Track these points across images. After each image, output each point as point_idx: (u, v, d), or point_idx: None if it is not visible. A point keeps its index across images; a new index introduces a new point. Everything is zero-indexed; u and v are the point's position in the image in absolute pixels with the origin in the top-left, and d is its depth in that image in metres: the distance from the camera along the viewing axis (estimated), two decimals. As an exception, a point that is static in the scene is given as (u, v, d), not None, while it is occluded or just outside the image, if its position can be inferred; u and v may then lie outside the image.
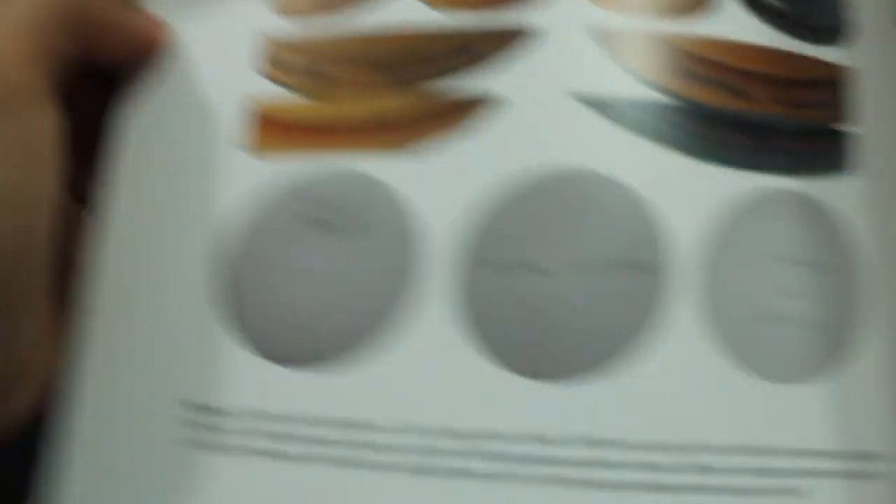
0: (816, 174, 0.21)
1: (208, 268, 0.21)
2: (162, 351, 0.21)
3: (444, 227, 0.20)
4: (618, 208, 0.20)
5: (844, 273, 0.21)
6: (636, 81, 0.21)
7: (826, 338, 0.20)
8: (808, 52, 0.22)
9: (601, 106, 0.21)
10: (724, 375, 0.20)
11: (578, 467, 0.19)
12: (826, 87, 0.22)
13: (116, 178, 0.22)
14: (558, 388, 0.19)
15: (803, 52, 0.22)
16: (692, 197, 0.20)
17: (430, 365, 0.20)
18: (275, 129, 0.22)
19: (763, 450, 0.19)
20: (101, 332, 0.21)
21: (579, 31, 0.21)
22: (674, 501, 0.19)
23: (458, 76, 0.21)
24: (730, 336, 0.20)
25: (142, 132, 0.23)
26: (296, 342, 0.20)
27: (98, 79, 0.23)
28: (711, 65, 0.21)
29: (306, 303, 0.21)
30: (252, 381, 0.20)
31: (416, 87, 0.21)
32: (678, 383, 0.19)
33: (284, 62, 0.22)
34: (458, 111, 0.21)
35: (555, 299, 0.20)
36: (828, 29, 0.22)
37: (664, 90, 0.21)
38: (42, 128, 0.20)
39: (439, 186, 0.21)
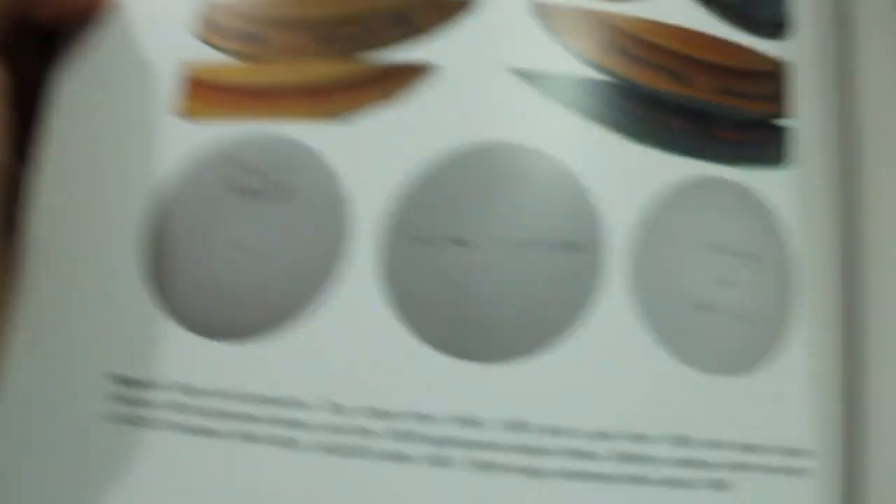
0: (753, 165, 0.21)
1: (135, 235, 0.20)
2: (87, 321, 0.20)
3: (373, 198, 0.19)
4: (552, 186, 0.19)
5: (777, 266, 0.21)
6: (575, 59, 0.20)
7: (757, 330, 0.20)
8: (751, 44, 0.22)
9: (538, 81, 0.20)
10: (654, 363, 0.19)
11: (506, 452, 0.18)
12: (767, 79, 0.22)
13: (48, 139, 0.21)
14: (485, 369, 0.19)
15: (746, 44, 0.22)
16: (628, 179, 0.20)
17: (354, 341, 0.19)
18: (207, 93, 0.21)
19: (691, 441, 0.19)
20: (27, 299, 0.20)
21: (519, 5, 0.21)
22: (600, 490, 0.18)
23: (395, 45, 0.21)
24: (661, 323, 0.19)
25: (76, 92, 0.22)
26: (222, 314, 0.19)
27: (36, 37, 0.22)
28: (653, 48, 0.21)
29: (232, 273, 0.20)
30: (178, 355, 0.19)
31: (351, 55, 0.21)
32: (608, 369, 0.19)
33: (220, 25, 0.21)
34: (393, 80, 0.20)
35: (482, 276, 0.19)
36: (771, 23, 0.22)
37: (603, 69, 0.20)
38: None
39: (370, 156, 0.20)
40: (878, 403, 0.20)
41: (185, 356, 0.19)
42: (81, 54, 0.22)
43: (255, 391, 0.19)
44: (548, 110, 0.20)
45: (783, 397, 0.20)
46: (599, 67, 0.20)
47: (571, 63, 0.20)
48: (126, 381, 0.19)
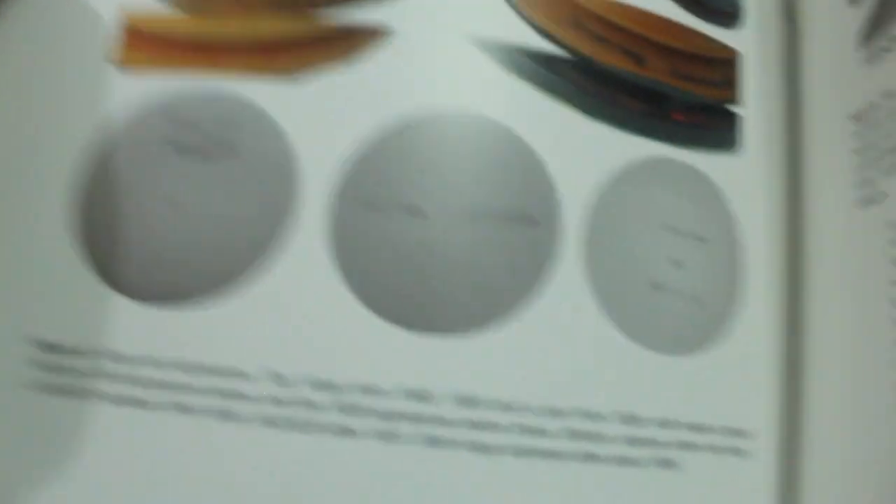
0: (705, 149, 0.21)
1: (65, 190, 0.18)
2: (7, 280, 0.18)
3: (323, 161, 0.19)
4: (507, 158, 0.19)
5: (725, 249, 0.21)
6: (534, 31, 0.20)
7: (705, 312, 0.20)
8: (708, 31, 0.22)
9: (496, 51, 0.20)
10: (606, 340, 0.19)
11: (456, 428, 0.18)
12: (719, 66, 0.22)
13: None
14: (435, 341, 0.18)
15: (703, 31, 0.22)
16: (584, 155, 0.20)
17: (299, 308, 0.18)
18: (148, 44, 0.19)
19: (640, 419, 0.19)
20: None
21: (480, -27, 0.20)
22: (550, 468, 0.18)
23: (350, 4, 0.20)
24: (615, 301, 0.19)
25: (7, 37, 0.20)
26: (156, 276, 0.18)
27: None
28: (612, 26, 0.21)
29: (169, 233, 0.18)
30: (107, 319, 0.18)
31: (304, 11, 0.20)
32: (560, 345, 0.19)
33: (164, -25, 0.20)
34: (348, 41, 0.19)
35: (434, 246, 0.18)
36: (724, 12, 0.23)
37: (562, 43, 0.20)
38: None
39: (321, 117, 0.19)
40: (818, 387, 0.20)
41: (114, 321, 0.18)
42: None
43: (191, 359, 0.17)
44: (505, 81, 0.20)
45: (729, 378, 0.20)
46: (558, 42, 0.20)
47: (530, 35, 0.20)
48: (49, 347, 0.18)
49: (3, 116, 0.19)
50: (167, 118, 0.19)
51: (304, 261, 0.18)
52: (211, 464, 0.17)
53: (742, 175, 0.21)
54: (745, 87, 0.22)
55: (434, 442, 0.17)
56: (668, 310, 0.19)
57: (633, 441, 0.18)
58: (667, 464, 0.18)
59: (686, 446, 0.19)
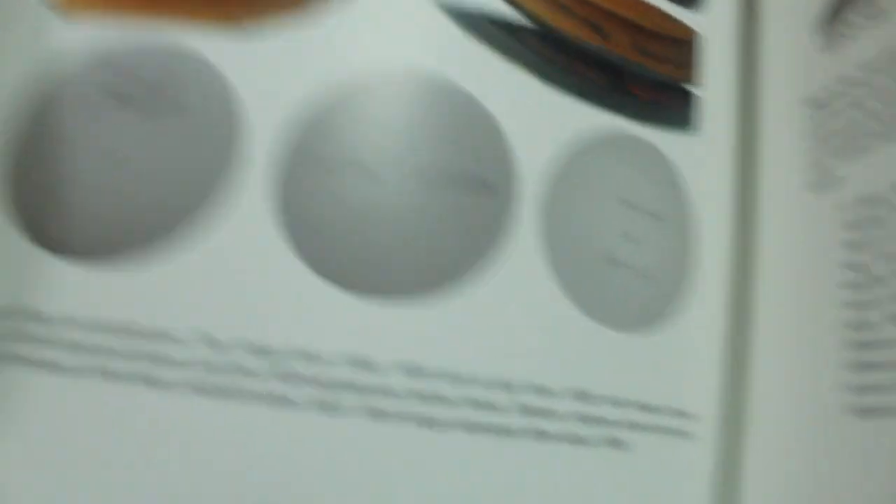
0: (663, 126, 0.21)
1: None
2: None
3: (270, 118, 0.17)
4: (464, 121, 0.18)
5: (678, 228, 0.20)
6: (499, -1, 0.19)
7: (657, 290, 0.20)
8: (670, 10, 0.22)
9: (460, 16, 0.19)
10: (559, 314, 0.18)
11: (402, 399, 0.17)
12: (680, 46, 0.22)
13: None
14: (382, 307, 0.17)
15: (666, 10, 0.21)
16: (544, 124, 0.19)
17: (237, 268, 0.17)
18: (87, -12, 0.18)
19: (591, 397, 0.18)
20: None
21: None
22: (500, 444, 0.17)
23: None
24: (569, 273, 0.18)
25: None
26: (86, 232, 0.17)
27: None
28: (577, -1, 0.20)
29: (100, 186, 0.17)
30: (28, 275, 0.16)
31: (256, -41, 0.19)
32: (513, 316, 0.18)
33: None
34: (302, -8, 0.18)
35: (385, 208, 0.17)
36: (689, -7, 0.22)
37: (526, 13, 0.20)
38: None
39: (269, 73, 0.18)
40: (765, 371, 0.20)
41: (36, 277, 0.16)
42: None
43: (118, 321, 0.16)
44: (466, 45, 0.19)
45: (678, 359, 0.20)
46: (523, 9, 0.20)
47: (495, 1, 0.19)
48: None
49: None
50: (109, 69, 0.17)
51: (246, 219, 0.17)
52: (137, 433, 0.16)
53: (697, 155, 0.21)
54: (703, 68, 0.22)
55: (378, 414, 0.16)
56: (621, 285, 0.19)
57: (584, 419, 0.18)
58: (616, 444, 0.18)
59: (635, 426, 0.18)
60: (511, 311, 0.18)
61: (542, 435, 0.17)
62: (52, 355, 0.16)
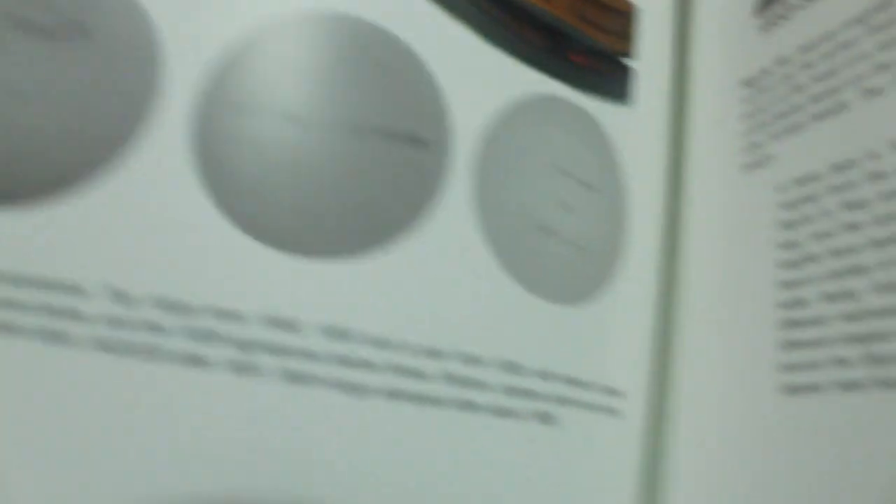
0: (600, 96, 0.21)
1: None
2: None
3: (194, 54, 0.16)
4: (398, 72, 0.18)
5: (611, 199, 0.20)
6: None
7: (588, 262, 0.19)
8: (610, -20, 0.21)
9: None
10: (491, 280, 0.18)
11: (323, 363, 0.16)
12: (619, 17, 0.22)
13: None
14: (305, 264, 0.16)
15: (605, -21, 0.21)
16: (482, 81, 0.19)
17: (149, 217, 0.15)
18: None
19: (522, 369, 0.18)
20: None
21: None
22: (425, 415, 0.17)
23: None
24: (501, 238, 0.18)
25: None
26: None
27: None
28: (518, -43, 0.20)
29: (3, 124, 0.15)
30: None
31: None
32: (443, 280, 0.17)
33: None
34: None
35: (309, 156, 0.16)
36: (627, -36, 0.22)
37: (472, -32, 0.19)
38: None
39: (192, 5, 0.16)
40: (695, 350, 0.20)
41: None
42: None
43: (17, 270, 0.15)
44: (410, -3, 0.18)
45: (608, 335, 0.19)
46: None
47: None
48: None
49: None
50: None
51: (160, 164, 0.16)
52: (36, 392, 0.14)
53: (631, 128, 0.21)
54: (640, 41, 0.22)
55: (297, 378, 0.15)
56: (555, 255, 0.19)
57: (512, 391, 0.17)
58: (545, 418, 0.18)
59: (564, 401, 0.18)
60: (441, 274, 0.17)
61: (469, 406, 0.17)
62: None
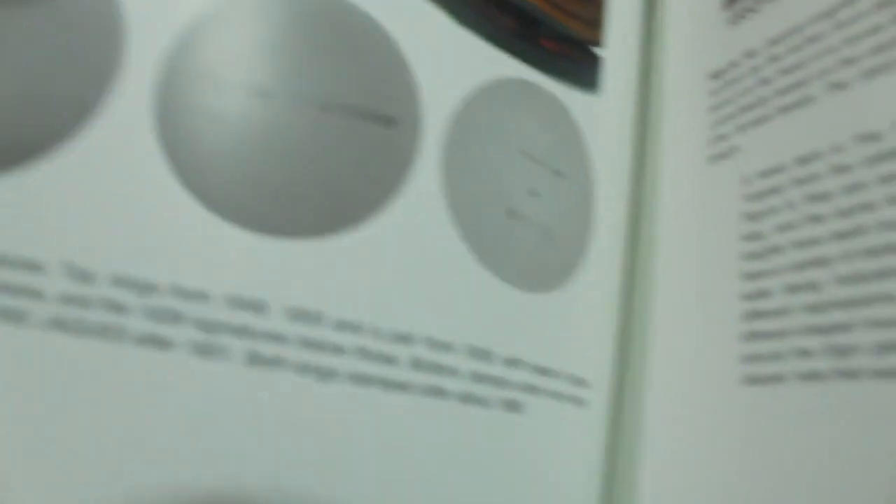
0: (570, 83, 0.21)
1: None
2: None
3: (156, 20, 0.16)
4: (372, 53, 0.17)
5: (581, 186, 0.20)
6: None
7: (557, 249, 0.20)
8: (580, -32, 0.22)
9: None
10: (460, 264, 0.18)
11: (290, 347, 0.16)
12: (592, 6, 0.22)
13: None
14: (273, 243, 0.16)
15: (575, -33, 0.21)
16: (453, 62, 0.19)
17: (111, 192, 0.15)
18: None
19: (491, 356, 0.18)
20: None
21: None
22: (393, 401, 0.16)
23: None
24: (469, 221, 0.18)
25: None
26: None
27: None
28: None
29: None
30: None
31: None
32: (409, 262, 0.17)
33: None
34: None
35: (277, 131, 0.16)
36: (598, -47, 0.22)
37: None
38: None
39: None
40: (661, 342, 0.20)
41: None
42: None
43: None
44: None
45: (575, 324, 0.19)
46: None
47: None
48: None
49: None
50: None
51: (122, 135, 0.15)
52: None
53: (600, 116, 0.21)
54: (610, 31, 0.22)
55: (261, 361, 0.15)
56: (522, 240, 0.19)
57: (480, 378, 0.17)
58: (512, 406, 0.18)
59: (532, 390, 0.18)
60: (409, 257, 0.17)
61: (437, 392, 0.17)
62: None
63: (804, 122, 0.19)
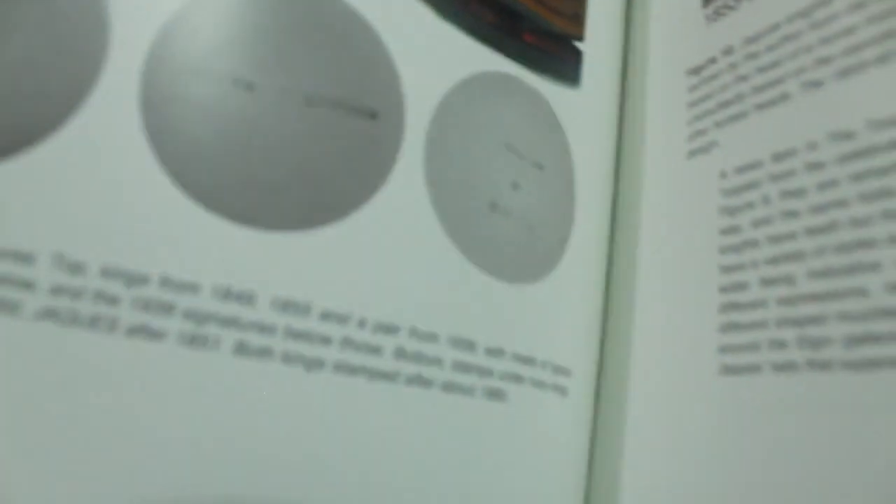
0: (551, 77, 0.21)
1: None
2: None
3: (145, 14, 0.16)
4: (352, 43, 0.18)
5: (562, 180, 0.21)
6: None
7: (538, 241, 0.20)
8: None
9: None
10: (444, 257, 0.18)
11: (279, 337, 0.16)
12: (574, 1, 0.22)
13: None
14: (260, 235, 0.16)
15: (558, -37, 0.22)
16: (435, 56, 0.19)
17: (99, 184, 0.15)
18: None
19: (476, 346, 0.18)
20: None
21: None
22: (380, 391, 0.17)
23: None
24: (451, 215, 0.19)
25: None
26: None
27: None
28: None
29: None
30: None
31: None
32: (393, 254, 0.18)
33: None
34: None
35: (260, 123, 0.17)
36: (580, -51, 0.23)
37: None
38: None
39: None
40: (641, 334, 0.21)
41: None
42: None
43: None
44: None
45: (557, 314, 0.20)
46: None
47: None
48: None
49: None
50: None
51: (108, 127, 0.15)
52: None
53: (581, 110, 0.22)
54: (591, 26, 0.22)
55: (253, 353, 0.16)
56: (503, 232, 0.19)
57: (464, 367, 0.18)
58: (496, 395, 0.18)
59: (515, 379, 0.19)
60: (394, 250, 0.18)
61: (421, 381, 0.17)
62: None
63: (780, 119, 0.19)
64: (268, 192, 0.16)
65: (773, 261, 0.18)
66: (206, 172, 0.16)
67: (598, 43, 0.23)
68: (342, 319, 0.17)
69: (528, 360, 0.19)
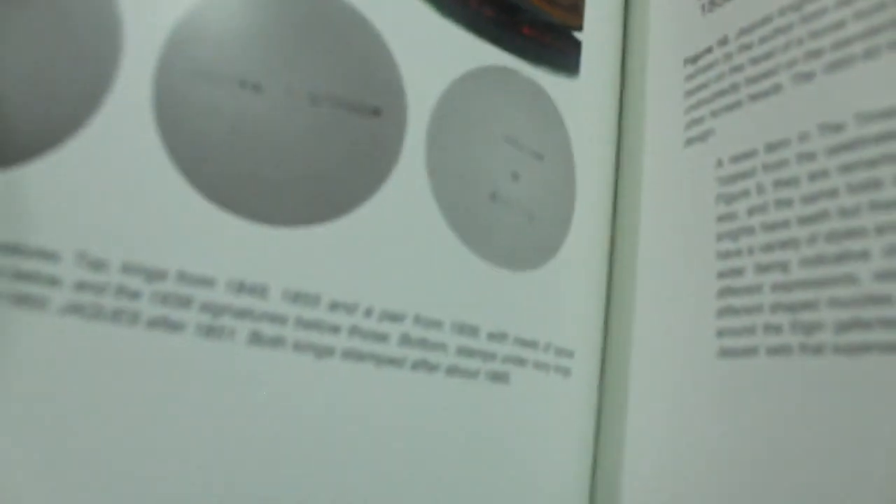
0: (550, 69, 0.22)
1: None
2: None
3: (155, 20, 0.17)
4: (354, 43, 0.19)
5: (562, 169, 0.22)
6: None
7: (538, 229, 0.21)
8: (561, -44, 0.23)
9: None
10: (446, 247, 0.20)
11: (290, 327, 0.17)
12: None
13: None
14: (270, 230, 0.17)
15: (556, -46, 0.23)
16: (435, 52, 0.20)
17: (117, 184, 0.16)
18: None
19: (479, 331, 0.19)
20: None
21: None
22: (387, 376, 0.18)
23: None
24: (453, 205, 0.20)
25: None
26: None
27: None
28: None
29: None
30: None
31: None
32: (398, 245, 0.19)
33: None
34: None
35: (267, 123, 0.18)
36: (578, -60, 0.23)
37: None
38: None
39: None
40: (641, 316, 0.22)
41: None
42: None
43: None
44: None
45: (558, 299, 0.21)
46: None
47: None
48: None
49: None
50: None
51: (125, 129, 0.16)
52: (9, 356, 0.15)
53: (580, 100, 0.23)
54: (589, 17, 0.23)
55: (266, 342, 0.17)
56: (503, 221, 0.20)
57: (467, 352, 0.19)
58: (499, 377, 0.19)
59: (518, 362, 0.20)
60: (398, 241, 0.19)
61: (429, 367, 0.18)
62: None
63: (773, 109, 0.20)
64: (276, 189, 0.17)
65: (768, 248, 0.19)
66: (218, 172, 0.17)
67: (596, 33, 0.23)
68: (350, 309, 0.18)
69: (530, 344, 0.20)
